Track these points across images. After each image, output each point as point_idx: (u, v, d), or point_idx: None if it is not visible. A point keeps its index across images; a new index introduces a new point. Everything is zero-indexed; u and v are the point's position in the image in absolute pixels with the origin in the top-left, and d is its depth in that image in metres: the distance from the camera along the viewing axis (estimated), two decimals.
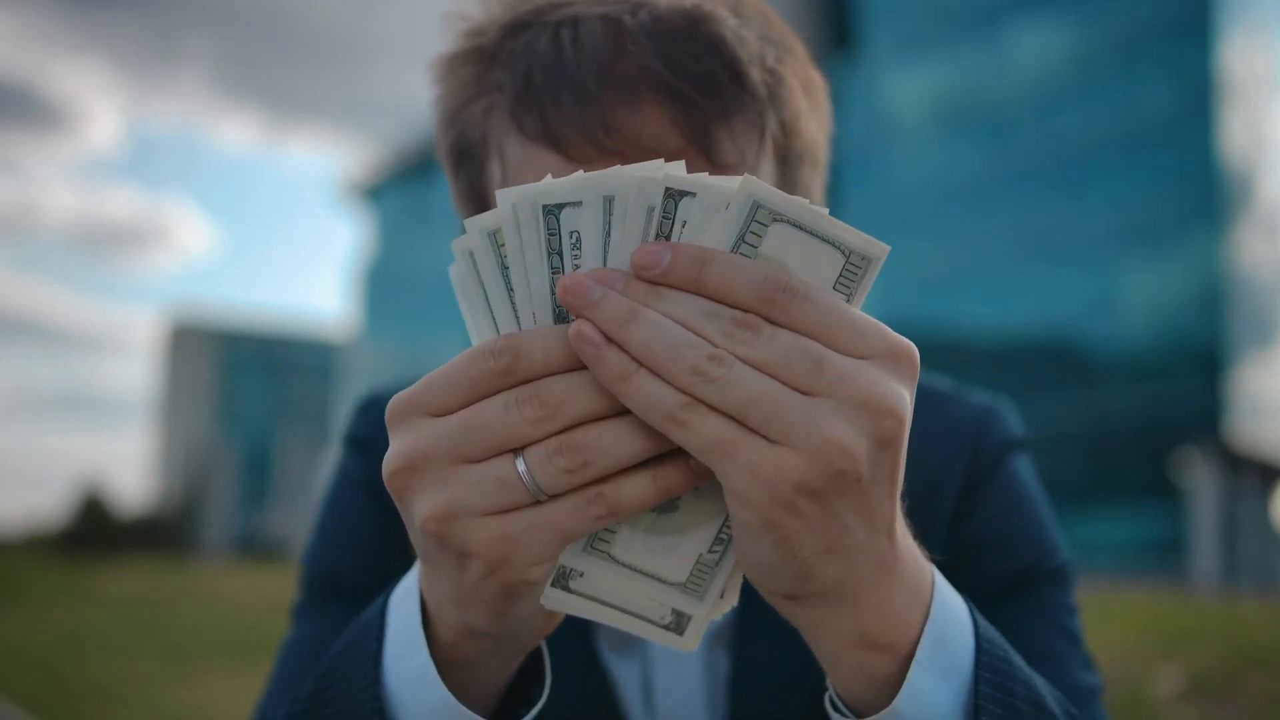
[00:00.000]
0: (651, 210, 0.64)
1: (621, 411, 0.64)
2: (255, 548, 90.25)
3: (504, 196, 0.64)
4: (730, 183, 0.64)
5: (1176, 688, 9.28)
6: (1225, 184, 32.12)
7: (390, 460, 0.66)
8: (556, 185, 0.64)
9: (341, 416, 1.60)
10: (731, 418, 0.62)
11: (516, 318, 0.67)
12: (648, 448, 0.65)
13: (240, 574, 42.10)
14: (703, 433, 0.62)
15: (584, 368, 0.64)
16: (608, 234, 0.65)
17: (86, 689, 11.66)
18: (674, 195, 0.64)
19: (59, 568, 48.43)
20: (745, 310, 0.63)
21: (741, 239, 0.64)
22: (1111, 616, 13.14)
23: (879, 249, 0.64)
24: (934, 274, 37.71)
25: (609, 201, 0.64)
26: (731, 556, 0.70)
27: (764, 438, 0.62)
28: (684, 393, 0.62)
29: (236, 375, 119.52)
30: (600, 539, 0.69)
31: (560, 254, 0.65)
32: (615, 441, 0.64)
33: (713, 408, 0.62)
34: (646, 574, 0.70)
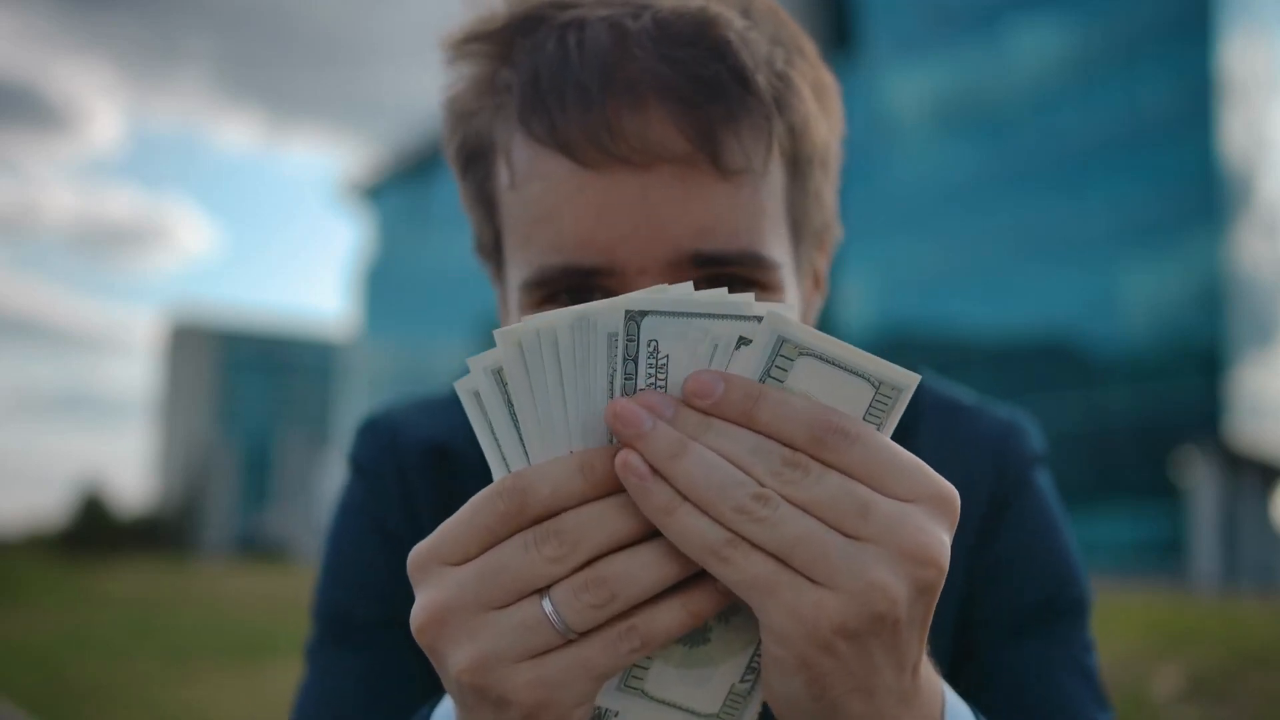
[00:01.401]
0: (614, 336, 0.63)
1: (642, 537, 0.64)
2: (255, 548, 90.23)
3: (501, 337, 0.64)
4: (683, 290, 0.63)
5: (1176, 688, 9.28)
6: (1225, 184, 32.11)
7: (417, 615, 0.66)
8: (507, 331, 0.64)
9: (342, 419, 1.58)
10: (774, 555, 0.61)
11: (526, 455, 0.66)
12: (673, 573, 0.64)
13: (240, 574, 42.07)
14: (745, 570, 0.61)
15: (597, 498, 0.64)
16: (529, 379, 0.64)
17: (86, 689, 11.64)
18: (635, 317, 0.63)
19: (59, 568, 48.38)
20: (794, 448, 0.62)
21: (767, 373, 0.64)
22: (1111, 616, 13.13)
23: (909, 379, 0.64)
24: (934, 274, 37.69)
25: (520, 349, 0.63)
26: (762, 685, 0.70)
27: (806, 578, 0.61)
28: (727, 529, 0.61)
29: (236, 375, 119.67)
30: (634, 676, 0.68)
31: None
32: (641, 570, 0.63)
33: (756, 545, 0.61)
34: (680, 708, 0.69)
